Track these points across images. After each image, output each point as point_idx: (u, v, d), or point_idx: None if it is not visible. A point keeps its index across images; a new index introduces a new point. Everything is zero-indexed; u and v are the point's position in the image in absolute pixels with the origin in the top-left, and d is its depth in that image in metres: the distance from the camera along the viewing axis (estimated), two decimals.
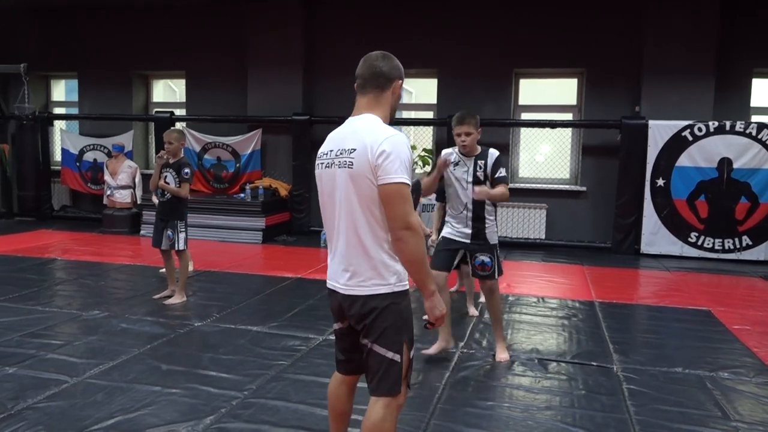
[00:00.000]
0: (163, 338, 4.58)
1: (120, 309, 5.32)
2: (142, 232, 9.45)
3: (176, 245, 5.56)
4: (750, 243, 8.27)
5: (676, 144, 8.38)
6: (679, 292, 6.61)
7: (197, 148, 10.21)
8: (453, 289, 6.00)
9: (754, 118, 8.78)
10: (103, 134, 10.74)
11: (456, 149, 4.23)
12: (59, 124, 11.58)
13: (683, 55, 8.52)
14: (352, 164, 2.19)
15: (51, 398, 3.46)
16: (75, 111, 11.58)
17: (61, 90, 12.26)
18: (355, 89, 2.37)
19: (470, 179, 4.13)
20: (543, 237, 9.19)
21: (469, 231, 4.17)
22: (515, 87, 9.64)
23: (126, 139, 10.39)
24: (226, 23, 10.39)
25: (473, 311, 5.47)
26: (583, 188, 9.23)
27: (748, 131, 8.13)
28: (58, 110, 11.99)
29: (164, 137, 5.61)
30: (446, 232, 4.28)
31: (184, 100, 11.02)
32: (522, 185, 9.41)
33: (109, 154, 10.34)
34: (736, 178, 8.24)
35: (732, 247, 8.34)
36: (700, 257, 8.37)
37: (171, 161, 5.55)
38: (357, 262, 2.25)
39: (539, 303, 5.92)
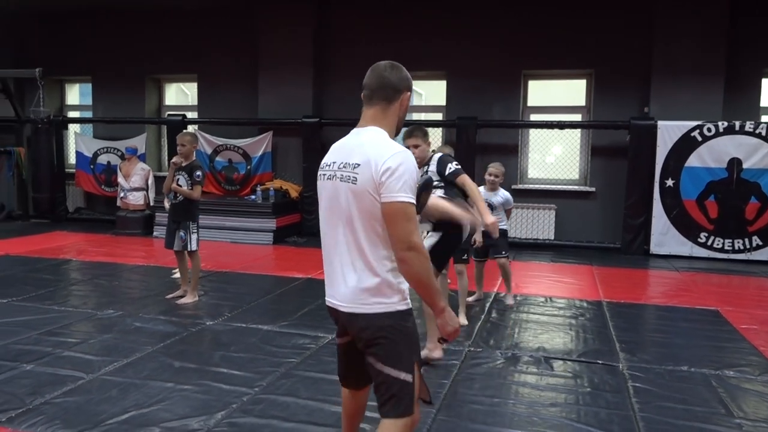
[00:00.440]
0: (176, 336, 4.68)
1: (133, 308, 5.42)
2: (154, 233, 9.58)
3: (189, 246, 5.65)
4: (760, 243, 8.26)
5: (686, 144, 8.39)
6: (688, 292, 6.62)
7: (209, 151, 10.34)
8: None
9: (764, 118, 8.78)
10: (116, 137, 10.90)
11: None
12: (74, 128, 11.76)
13: (692, 56, 8.53)
14: (356, 180, 2.14)
15: (67, 394, 3.56)
16: (89, 114, 11.76)
17: (76, 94, 12.45)
18: (362, 99, 2.32)
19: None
20: (552, 238, 9.22)
21: None
22: (524, 88, 9.68)
23: (139, 142, 10.54)
24: (237, 27, 10.52)
25: (510, 300, 5.75)
26: (592, 189, 9.25)
27: (757, 131, 8.13)
28: (72, 114, 12.18)
29: (177, 140, 5.71)
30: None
31: (196, 103, 11.16)
32: (531, 186, 9.45)
33: (122, 157, 10.49)
34: (746, 179, 8.23)
35: (742, 247, 8.32)
36: (710, 257, 8.36)
37: (183, 164, 5.64)
38: (358, 279, 2.18)
39: (547, 303, 5.96)
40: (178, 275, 6.57)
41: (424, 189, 2.76)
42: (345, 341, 2.37)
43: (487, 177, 5.81)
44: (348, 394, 2.50)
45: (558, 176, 9.63)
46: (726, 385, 3.91)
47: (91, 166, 10.97)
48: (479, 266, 5.99)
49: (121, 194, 10.07)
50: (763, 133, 8.11)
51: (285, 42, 9.92)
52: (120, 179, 10.11)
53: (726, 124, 8.21)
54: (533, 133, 9.62)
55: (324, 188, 2.28)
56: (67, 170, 11.29)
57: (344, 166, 2.20)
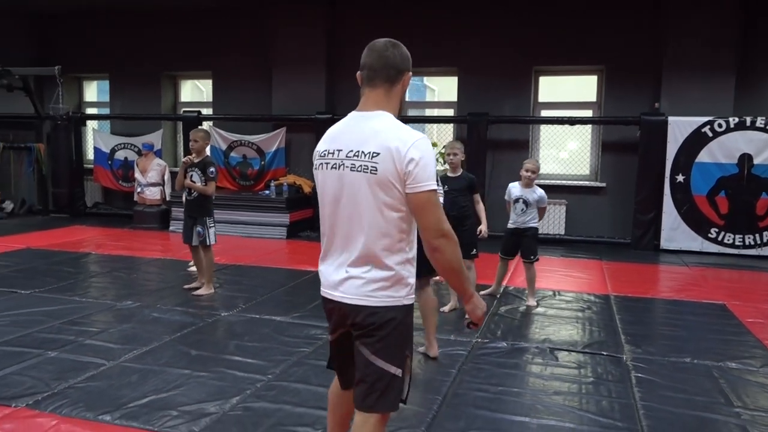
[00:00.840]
0: (192, 327, 4.84)
1: (151, 300, 5.59)
2: (171, 227, 9.77)
3: (207, 240, 5.78)
4: None
5: (696, 140, 8.41)
6: (696, 286, 6.67)
7: (223, 147, 10.50)
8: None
9: None
10: (133, 133, 11.10)
11: None
12: (92, 124, 11.99)
13: (704, 51, 8.54)
14: (376, 170, 2.05)
15: (90, 379, 3.72)
16: (107, 111, 11.97)
17: (94, 91, 12.68)
18: (360, 80, 2.20)
19: None
20: (563, 233, 9.29)
21: None
22: (535, 84, 9.74)
23: (155, 138, 10.73)
24: (252, 25, 10.66)
25: (532, 302, 5.69)
26: (603, 184, 9.30)
27: None
28: (90, 110, 12.41)
29: (190, 135, 5.83)
30: None
31: (211, 99, 11.33)
32: (542, 181, 9.44)
33: (139, 153, 10.69)
34: (757, 174, 8.24)
35: (752, 242, 8.34)
36: (721, 253, 8.38)
37: (196, 160, 5.74)
38: (367, 271, 2.12)
39: (554, 296, 6.06)
40: (193, 268, 6.74)
41: None
42: (337, 336, 2.30)
43: (522, 173, 5.65)
44: (338, 393, 2.45)
45: (569, 172, 9.69)
46: (728, 376, 3.99)
47: (109, 162, 11.19)
48: (504, 263, 5.89)
49: (138, 189, 10.27)
50: None
51: (298, 39, 10.06)
52: (137, 175, 10.32)
53: (737, 119, 8.22)
54: (544, 128, 9.68)
55: (328, 178, 2.18)
56: (85, 166, 11.52)
57: (356, 155, 2.10)
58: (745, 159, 8.25)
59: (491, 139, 9.29)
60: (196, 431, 3.08)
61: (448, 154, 5.28)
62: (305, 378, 3.79)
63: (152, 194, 10.20)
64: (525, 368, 4.11)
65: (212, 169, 5.72)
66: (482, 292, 5.84)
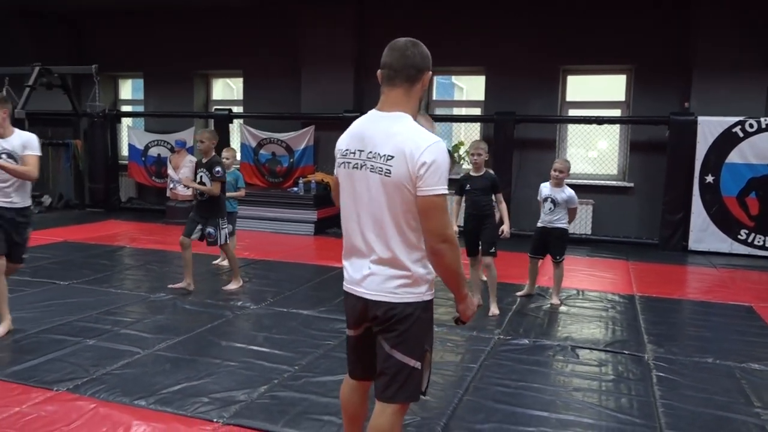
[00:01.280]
0: (222, 319, 5.00)
1: (183, 292, 5.77)
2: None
3: (219, 241, 5.74)
4: None
5: (727, 140, 8.33)
6: (724, 288, 6.63)
7: (253, 144, 10.71)
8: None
9: None
10: (166, 130, 11.38)
11: None
12: (126, 121, 12.32)
13: (734, 50, 8.45)
14: (390, 172, 2.10)
15: (125, 366, 3.90)
16: (141, 109, 12.29)
17: (129, 89, 13.02)
18: (380, 78, 2.23)
19: None
20: (589, 232, 9.27)
21: None
22: (562, 83, 9.73)
23: (187, 135, 10.97)
24: (281, 24, 10.84)
25: (556, 300, 5.72)
26: (631, 184, 9.26)
27: None
28: (125, 108, 12.75)
29: (196, 136, 5.75)
30: None
31: (241, 97, 11.55)
32: (568, 181, 9.40)
33: (171, 150, 10.96)
34: None
35: None
36: (750, 255, 8.29)
37: (204, 161, 5.73)
38: (388, 268, 2.19)
39: (578, 295, 6.08)
40: (222, 262, 6.94)
41: None
42: (359, 333, 2.38)
43: (551, 173, 5.65)
44: (351, 387, 2.51)
45: (596, 171, 9.66)
46: (750, 377, 4.00)
47: (143, 158, 11.48)
48: (534, 263, 5.86)
49: (171, 185, 10.52)
50: None
51: (327, 39, 10.19)
52: (169, 171, 10.57)
53: None
54: (571, 128, 9.66)
55: (350, 177, 2.24)
56: (120, 162, 11.84)
57: (374, 156, 2.16)
58: None
59: (518, 138, 9.31)
60: (225, 417, 3.22)
61: (472, 154, 5.29)
62: (331, 369, 3.91)
63: (184, 190, 10.42)
64: (546, 365, 4.17)
65: (218, 168, 5.64)
66: (518, 293, 5.90)
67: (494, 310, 5.28)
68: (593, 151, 9.82)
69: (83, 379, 3.65)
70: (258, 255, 7.59)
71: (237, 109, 11.34)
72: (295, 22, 10.57)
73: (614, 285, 6.61)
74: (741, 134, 8.24)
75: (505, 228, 5.36)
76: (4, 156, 4.30)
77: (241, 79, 11.57)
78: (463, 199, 5.43)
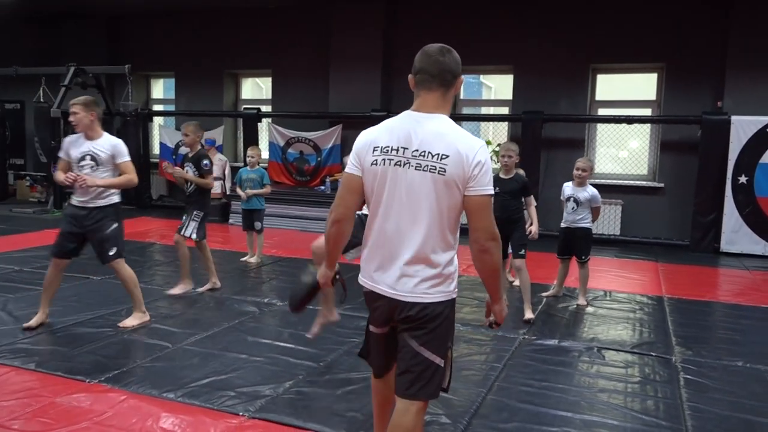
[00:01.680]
0: (250, 315, 5.08)
1: (212, 289, 5.86)
2: (230, 220, 10.14)
3: (183, 231, 5.60)
4: None
5: (761, 140, 8.17)
6: (756, 291, 6.51)
7: (281, 143, 10.81)
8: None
9: None
10: None
11: None
12: (158, 120, 12.54)
13: None
14: (444, 171, 2.13)
15: (155, 360, 3.99)
16: (172, 108, 12.51)
17: (160, 88, 13.26)
18: (416, 83, 2.26)
19: None
20: (618, 233, 9.16)
21: None
22: (592, 82, 9.62)
23: (217, 134, 11.14)
24: (311, 24, 10.93)
25: (582, 301, 5.66)
26: (661, 185, 9.13)
27: None
28: (157, 107, 12.98)
29: (182, 128, 5.68)
30: None
31: (270, 96, 11.67)
32: (597, 181, 9.36)
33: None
34: None
35: None
36: None
37: (190, 154, 5.65)
38: (423, 268, 2.22)
39: (606, 296, 6.03)
40: (250, 259, 7.04)
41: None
42: (384, 331, 2.40)
43: (574, 172, 5.61)
44: (378, 384, 2.58)
45: (626, 171, 9.54)
46: None
47: (174, 157, 11.66)
48: (564, 264, 5.82)
49: None
50: None
51: (355, 39, 10.24)
52: None
53: None
54: (601, 128, 9.56)
55: (387, 174, 2.21)
56: (151, 160, 12.06)
57: (422, 155, 2.16)
58: None
59: (546, 137, 9.25)
60: (251, 411, 3.27)
61: (503, 156, 5.12)
62: (355, 366, 3.95)
63: (213, 188, 10.57)
64: (571, 365, 4.15)
65: (206, 161, 5.55)
66: (544, 294, 5.86)
67: (528, 314, 5.07)
68: (623, 151, 9.70)
69: (115, 372, 3.74)
70: (285, 253, 7.67)
71: (265, 109, 11.46)
72: (324, 22, 10.65)
73: (643, 286, 6.54)
74: None
75: (534, 229, 5.25)
76: (87, 158, 4.44)
77: (269, 79, 11.70)
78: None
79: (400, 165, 2.20)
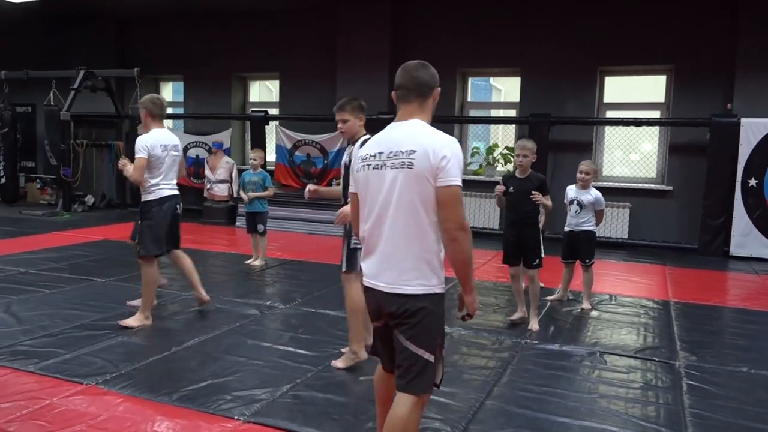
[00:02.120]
0: (251, 318, 5.08)
1: (215, 291, 5.85)
2: (237, 223, 10.16)
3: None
4: None
5: None
6: (765, 295, 6.43)
7: (288, 145, 10.83)
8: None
9: None
10: (204, 132, 11.59)
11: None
12: (167, 123, 12.53)
13: None
14: (413, 165, 2.27)
15: (154, 363, 3.99)
16: (181, 111, 12.57)
17: (169, 91, 13.33)
18: (397, 98, 2.47)
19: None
20: (626, 236, 9.07)
21: None
22: (600, 84, 9.56)
23: (225, 137, 11.17)
24: (318, 27, 10.95)
25: (586, 305, 5.60)
26: (670, 188, 9.04)
27: None
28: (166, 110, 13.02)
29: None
30: None
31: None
32: (605, 184, 9.30)
33: (209, 151, 11.17)
34: None
35: None
36: None
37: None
38: (403, 261, 2.33)
39: (611, 300, 5.97)
40: (254, 262, 7.05)
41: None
42: (380, 325, 2.51)
43: (578, 175, 5.56)
44: (381, 377, 2.64)
45: (634, 174, 9.46)
46: None
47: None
48: (568, 268, 5.74)
49: (208, 186, 10.74)
50: None
51: (363, 42, 10.24)
52: (207, 172, 10.78)
53: None
54: (609, 130, 9.48)
55: (369, 178, 2.42)
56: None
57: (395, 155, 2.33)
58: None
59: (553, 140, 9.19)
60: (247, 415, 3.26)
61: (518, 155, 4.91)
62: (353, 370, 3.93)
63: (220, 191, 10.63)
64: (572, 370, 4.10)
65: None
66: (548, 298, 5.80)
67: (534, 324, 4.93)
68: (631, 154, 9.62)
69: (113, 374, 3.74)
70: (290, 255, 7.68)
71: (274, 111, 11.48)
72: (332, 24, 10.66)
73: (649, 290, 6.47)
74: None
75: (541, 219, 5.24)
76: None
77: (278, 82, 11.72)
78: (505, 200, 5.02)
79: (377, 168, 2.40)
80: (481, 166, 10.22)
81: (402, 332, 2.36)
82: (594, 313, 5.49)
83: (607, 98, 9.65)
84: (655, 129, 9.31)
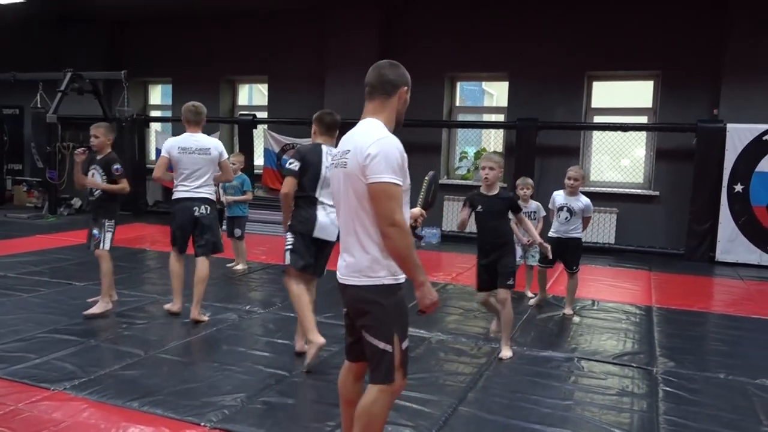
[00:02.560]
0: (228, 322, 5.03)
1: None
2: (223, 227, 10.07)
3: (102, 245, 5.13)
4: None
5: (757, 148, 8.08)
6: (749, 301, 6.41)
7: (276, 149, 10.78)
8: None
9: None
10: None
11: None
12: (155, 126, 12.54)
13: (766, 57, 8.18)
14: (346, 164, 2.39)
15: (125, 368, 3.94)
16: (169, 114, 12.51)
17: (158, 94, 13.28)
18: (365, 96, 2.51)
19: None
20: (612, 242, 9.06)
21: None
22: (587, 89, 9.55)
23: None
24: (306, 30, 10.92)
25: (569, 310, 5.57)
26: (656, 193, 9.03)
27: None
28: (154, 113, 13.00)
29: (91, 130, 5.12)
30: None
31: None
32: (592, 189, 9.28)
33: None
34: None
35: None
36: None
37: (98, 157, 5.08)
38: (353, 254, 2.41)
39: (593, 306, 5.94)
40: (236, 266, 6.99)
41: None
42: (347, 312, 2.58)
43: (566, 181, 5.50)
44: (345, 380, 2.65)
45: (621, 179, 9.45)
46: (763, 394, 3.84)
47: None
48: (543, 271, 5.68)
49: None
50: None
51: (351, 45, 10.21)
52: None
53: None
54: (596, 135, 9.48)
55: (332, 176, 2.58)
56: (147, 166, 12.05)
57: (343, 154, 2.45)
58: None
59: (541, 145, 9.17)
60: (214, 421, 3.21)
61: (483, 168, 4.40)
62: (327, 376, 3.88)
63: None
64: (548, 377, 4.06)
65: (117, 166, 5.03)
66: (529, 302, 5.79)
67: (506, 352, 4.38)
68: (618, 159, 9.61)
69: (81, 380, 3.69)
70: (274, 259, 7.62)
71: (263, 115, 11.44)
72: (321, 28, 10.64)
73: (633, 296, 6.44)
74: None
75: (535, 238, 4.97)
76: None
77: (267, 85, 11.69)
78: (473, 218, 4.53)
79: (336, 167, 2.51)
80: (469, 170, 10.20)
81: (360, 325, 2.43)
82: (575, 319, 5.46)
83: (595, 103, 9.64)
84: (643, 134, 9.31)
